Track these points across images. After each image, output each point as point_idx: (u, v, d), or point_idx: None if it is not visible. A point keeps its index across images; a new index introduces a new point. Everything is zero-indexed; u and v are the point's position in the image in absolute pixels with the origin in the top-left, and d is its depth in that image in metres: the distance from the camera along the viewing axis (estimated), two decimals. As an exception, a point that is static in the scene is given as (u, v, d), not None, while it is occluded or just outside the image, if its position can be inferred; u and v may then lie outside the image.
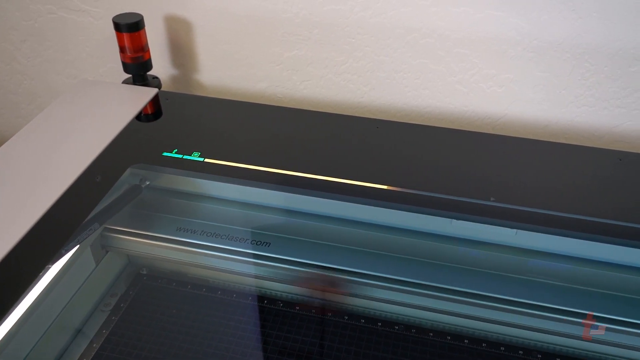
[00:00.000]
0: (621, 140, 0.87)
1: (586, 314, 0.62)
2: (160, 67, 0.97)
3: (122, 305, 0.69)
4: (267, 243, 0.68)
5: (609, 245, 0.64)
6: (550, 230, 0.63)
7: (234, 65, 0.94)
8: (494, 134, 0.79)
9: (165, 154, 0.70)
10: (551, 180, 0.69)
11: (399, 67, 0.88)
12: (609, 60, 0.79)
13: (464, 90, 0.88)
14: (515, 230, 0.65)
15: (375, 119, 0.81)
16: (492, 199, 0.64)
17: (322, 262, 0.67)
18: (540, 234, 0.65)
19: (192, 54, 0.95)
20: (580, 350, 0.64)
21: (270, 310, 0.69)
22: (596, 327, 0.62)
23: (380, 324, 0.67)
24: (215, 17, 0.90)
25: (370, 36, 0.86)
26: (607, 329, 0.62)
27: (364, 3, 0.83)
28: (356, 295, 0.67)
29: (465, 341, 0.66)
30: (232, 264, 0.69)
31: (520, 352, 0.65)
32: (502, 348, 0.65)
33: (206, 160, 0.69)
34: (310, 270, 0.67)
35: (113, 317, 0.68)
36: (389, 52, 0.87)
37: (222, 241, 0.68)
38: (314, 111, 0.83)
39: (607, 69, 0.80)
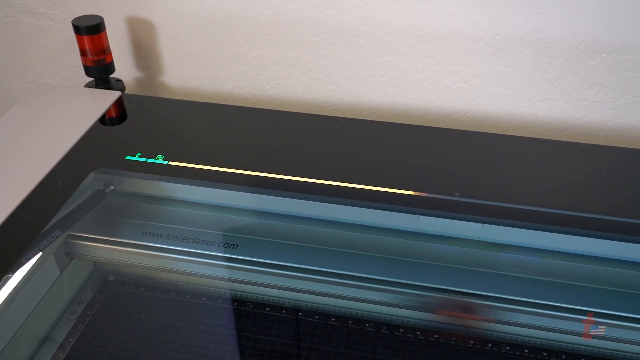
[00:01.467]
0: (584, 132, 0.88)
1: (564, 307, 0.63)
2: (124, 69, 0.95)
3: (88, 312, 0.68)
4: (234, 245, 0.68)
5: (573, 236, 0.65)
6: (515, 224, 0.64)
7: (199, 66, 0.93)
8: (458, 130, 0.80)
9: (128, 157, 0.69)
10: (515, 173, 0.70)
11: (364, 64, 0.88)
12: (569, 54, 0.81)
13: (429, 86, 0.88)
14: (481, 224, 0.66)
15: (342, 117, 0.81)
16: (456, 194, 0.65)
17: (291, 263, 0.67)
18: (506, 227, 0.66)
19: (155, 56, 0.93)
20: (548, 341, 0.65)
21: (241, 312, 0.68)
22: (596, 327, 0.63)
23: (350, 322, 0.67)
24: (177, 18, 0.89)
25: (335, 34, 0.86)
26: (574, 320, 0.63)
27: (327, 1, 0.83)
28: (325, 294, 0.67)
29: (435, 336, 0.66)
30: (200, 267, 0.68)
31: (489, 344, 0.65)
32: (472, 342, 0.65)
33: (170, 163, 0.68)
34: (278, 271, 0.66)
35: (80, 325, 0.66)
36: (354, 50, 0.87)
37: (189, 244, 0.68)
38: (280, 111, 0.82)
39: (567, 62, 0.82)
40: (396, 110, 0.92)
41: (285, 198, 0.67)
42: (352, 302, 0.67)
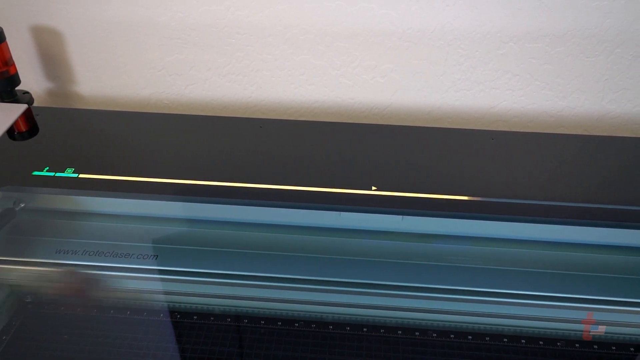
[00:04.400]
0: (499, 119, 0.91)
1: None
2: (33, 81, 0.92)
3: (4, 337, 0.65)
4: (154, 255, 0.66)
5: (492, 222, 0.67)
6: (431, 213, 0.65)
7: (113, 74, 0.90)
8: (376, 124, 0.80)
9: (35, 173, 0.66)
10: (428, 164, 0.71)
11: (282, 64, 0.88)
12: (478, 44, 0.83)
13: (348, 82, 0.89)
14: (401, 216, 0.67)
15: (261, 119, 0.81)
16: (373, 187, 0.66)
17: (214, 269, 0.66)
18: (425, 217, 0.67)
19: (66, 65, 0.90)
20: (478, 325, 0.66)
21: (168, 323, 0.67)
22: (596, 327, 0.64)
23: (280, 323, 0.67)
24: (85, 26, 0.86)
25: (250, 35, 0.85)
26: (498, 303, 0.65)
27: (239, 2, 0.82)
28: (252, 298, 0.67)
29: (364, 329, 0.66)
30: (121, 281, 0.66)
31: (416, 333, 0.66)
32: (400, 332, 0.66)
33: (80, 175, 0.66)
34: (201, 279, 0.65)
35: (-6, 353, 0.63)
36: (271, 50, 0.86)
37: (107, 259, 0.66)
38: (194, 115, 0.81)
39: (478, 53, 0.84)
40: (318, 107, 0.93)
41: (201, 204, 0.66)
42: (280, 303, 0.67)
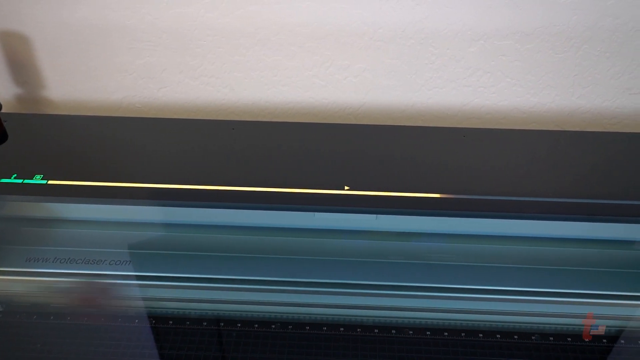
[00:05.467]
0: (472, 116, 0.92)
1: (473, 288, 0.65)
2: (1, 87, 0.90)
3: (-26, 349, 0.64)
4: (127, 261, 0.65)
5: (459, 219, 0.67)
6: (404, 212, 0.65)
7: (83, 78, 0.89)
8: (349, 124, 0.80)
9: (2, 180, 0.65)
10: (401, 162, 0.71)
11: (254, 65, 0.87)
12: (449, 43, 0.84)
13: (321, 83, 0.89)
14: (375, 215, 0.67)
15: (235, 121, 0.80)
16: (346, 187, 0.66)
17: (185, 273, 0.65)
18: (398, 216, 0.67)
19: (34, 70, 0.89)
20: (455, 322, 0.67)
21: (143, 329, 0.66)
22: (596, 327, 0.65)
23: (256, 325, 0.66)
24: (53, 30, 0.84)
25: (221, 37, 0.85)
26: (465, 298, 0.66)
27: (209, 4, 0.81)
28: (228, 302, 0.67)
29: (341, 329, 0.66)
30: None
31: (393, 331, 0.66)
32: (376, 330, 0.66)
33: (50, 182, 0.65)
34: (175, 283, 0.65)
35: (-36, 365, 0.62)
36: (242, 51, 0.86)
37: (79, 265, 0.65)
38: (166, 118, 0.80)
39: (449, 51, 0.84)
40: (292, 108, 0.92)
41: (173, 207, 0.65)
42: (256, 305, 0.67)
